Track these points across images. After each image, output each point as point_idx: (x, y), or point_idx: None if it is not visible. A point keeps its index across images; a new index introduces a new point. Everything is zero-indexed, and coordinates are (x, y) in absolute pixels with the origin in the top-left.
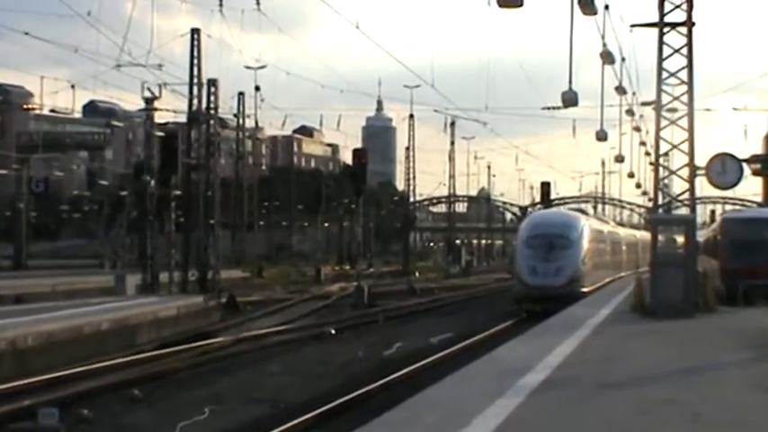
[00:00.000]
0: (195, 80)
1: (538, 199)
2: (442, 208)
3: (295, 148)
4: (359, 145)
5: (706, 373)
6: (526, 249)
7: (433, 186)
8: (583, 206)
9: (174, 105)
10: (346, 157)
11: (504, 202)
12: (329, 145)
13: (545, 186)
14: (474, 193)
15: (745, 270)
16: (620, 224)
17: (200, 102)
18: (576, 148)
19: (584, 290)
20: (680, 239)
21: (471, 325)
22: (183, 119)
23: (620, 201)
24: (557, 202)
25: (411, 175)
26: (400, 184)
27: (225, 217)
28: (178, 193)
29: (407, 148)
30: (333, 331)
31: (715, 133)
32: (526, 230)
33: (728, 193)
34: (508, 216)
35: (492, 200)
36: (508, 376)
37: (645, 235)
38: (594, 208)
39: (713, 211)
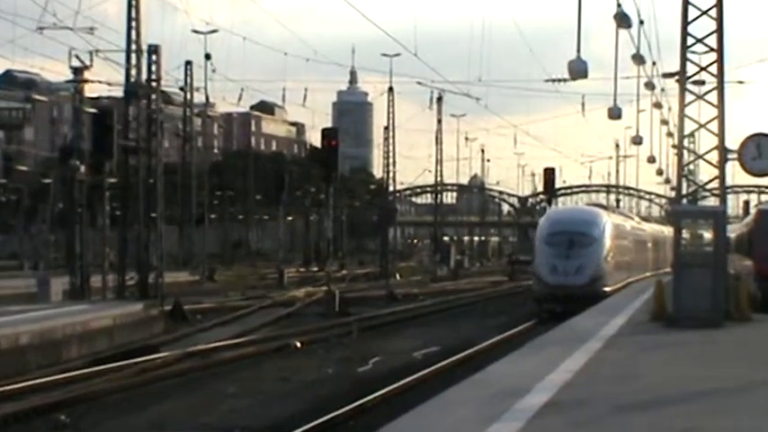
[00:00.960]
0: (133, 46)
1: (540, 188)
2: (427, 199)
3: (253, 128)
4: (329, 124)
5: (737, 394)
6: (546, 247)
7: (416, 173)
8: (594, 197)
9: (109, 76)
10: (314, 139)
11: (501, 192)
12: (293, 124)
13: (548, 173)
14: (465, 181)
15: None
16: (645, 219)
17: (139, 72)
18: (586, 128)
19: (607, 289)
20: (707, 235)
21: (462, 337)
22: (119, 92)
23: (637, 190)
24: (562, 191)
25: (391, 160)
26: (378, 171)
27: (170, 209)
28: (113, 180)
29: (386, 128)
30: (298, 344)
31: (749, 110)
32: (546, 227)
33: (765, 182)
34: (505, 208)
35: (486, 189)
36: (504, 398)
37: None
38: (618, 201)
39: (747, 202)
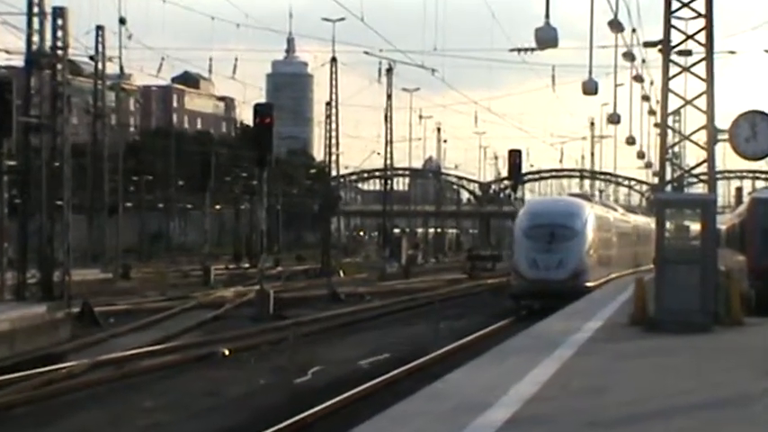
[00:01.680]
0: (36, 9)
1: (504, 173)
2: (375, 185)
3: (175, 103)
4: (262, 99)
5: (728, 408)
6: (525, 240)
7: (363, 156)
8: (565, 183)
9: (7, 43)
10: (245, 116)
11: (460, 177)
12: (221, 99)
13: (514, 156)
14: (418, 164)
15: None
16: (630, 210)
17: (42, 38)
18: (557, 105)
19: (589, 284)
20: (695, 227)
21: (415, 343)
22: (19, 62)
23: (615, 176)
24: (530, 176)
25: (333, 141)
26: (319, 153)
27: (78, 197)
28: (12, 163)
29: (329, 104)
30: (226, 352)
31: (742, 84)
32: (525, 219)
33: (760, 165)
34: (464, 195)
35: (443, 174)
36: (462, 413)
37: None
38: (602, 191)
39: (740, 189)
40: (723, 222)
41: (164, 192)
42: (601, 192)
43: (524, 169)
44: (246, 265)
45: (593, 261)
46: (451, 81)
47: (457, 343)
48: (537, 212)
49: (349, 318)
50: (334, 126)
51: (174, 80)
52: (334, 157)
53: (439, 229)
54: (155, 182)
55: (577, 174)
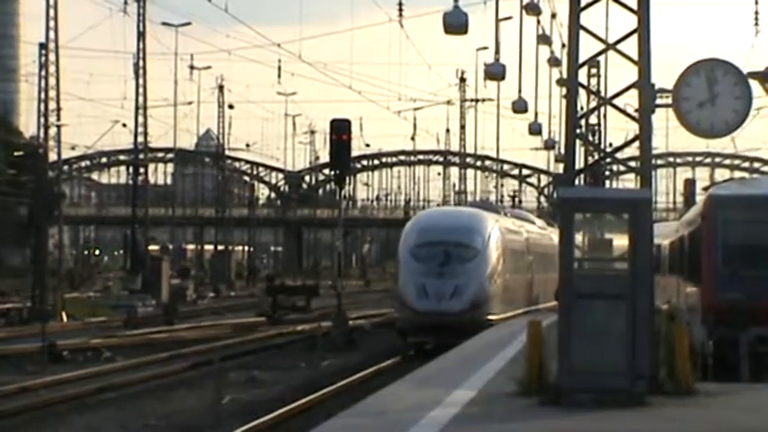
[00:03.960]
0: None
1: (324, 156)
2: (119, 175)
3: None
4: None
5: None
6: (413, 262)
7: (100, 130)
8: (422, 171)
9: None
10: None
11: (255, 164)
12: None
13: (338, 128)
14: (188, 144)
15: (753, 306)
16: (550, 224)
17: None
18: (406, 49)
19: (492, 318)
20: (620, 242)
21: (181, 427)
22: None
23: (499, 161)
24: (365, 161)
25: (52, 105)
26: (28, 124)
27: None
28: None
29: (43, 46)
30: None
31: (693, 21)
32: (412, 235)
33: (721, 144)
34: (263, 192)
35: (228, 157)
36: None
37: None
38: (515, 197)
39: (690, 182)
40: (665, 234)
41: None
42: (514, 198)
43: (356, 151)
44: None
45: (497, 289)
46: (241, 12)
47: (249, 425)
48: (427, 227)
49: (76, 387)
50: (52, 81)
51: None
52: (52, 132)
53: (221, 246)
54: None
55: (439, 158)
